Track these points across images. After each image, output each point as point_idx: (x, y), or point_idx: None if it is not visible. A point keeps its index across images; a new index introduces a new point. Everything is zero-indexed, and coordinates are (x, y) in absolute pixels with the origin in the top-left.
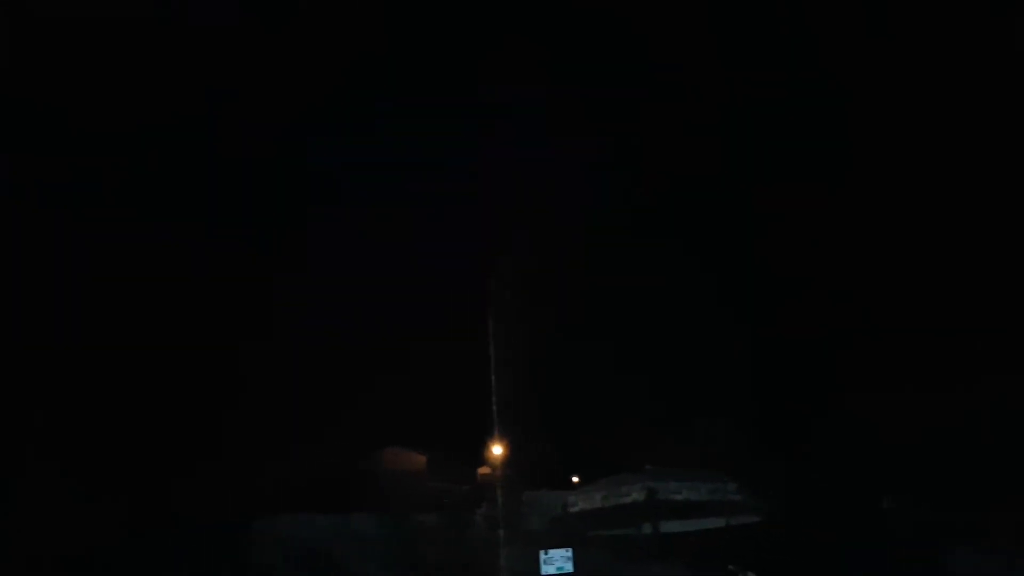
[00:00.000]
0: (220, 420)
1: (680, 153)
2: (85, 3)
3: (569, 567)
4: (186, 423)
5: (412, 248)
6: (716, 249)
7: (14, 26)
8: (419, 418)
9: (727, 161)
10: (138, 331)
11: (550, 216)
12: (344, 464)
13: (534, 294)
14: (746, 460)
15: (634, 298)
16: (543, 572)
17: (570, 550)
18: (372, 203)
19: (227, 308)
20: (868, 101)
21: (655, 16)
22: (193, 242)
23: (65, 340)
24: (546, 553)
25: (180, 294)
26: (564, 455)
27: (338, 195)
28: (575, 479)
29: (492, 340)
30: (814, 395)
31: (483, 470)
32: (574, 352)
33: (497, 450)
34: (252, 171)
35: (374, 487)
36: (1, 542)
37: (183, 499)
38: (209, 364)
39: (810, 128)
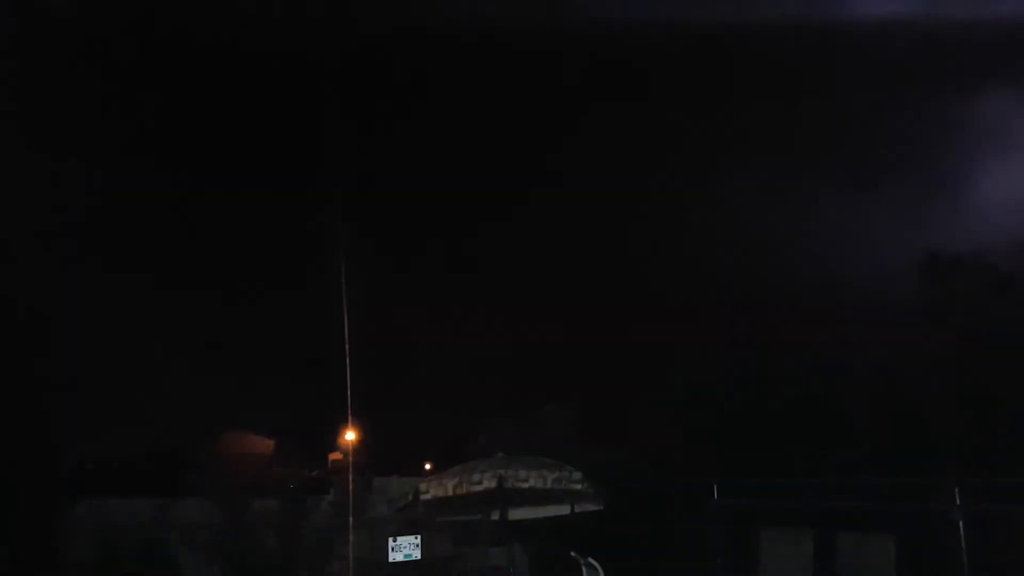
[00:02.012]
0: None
1: None
2: None
3: (417, 554)
4: None
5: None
6: None
7: None
8: (268, 402)
9: None
10: None
11: None
12: (174, 447)
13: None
14: (589, 449)
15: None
16: (391, 559)
17: (418, 536)
18: None
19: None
20: None
21: None
22: None
23: None
24: (394, 540)
25: None
26: (417, 442)
27: None
28: (428, 466)
29: (347, 330)
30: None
31: (334, 456)
32: (430, 343)
33: (349, 436)
34: None
35: (211, 472)
36: None
37: None
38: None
39: None
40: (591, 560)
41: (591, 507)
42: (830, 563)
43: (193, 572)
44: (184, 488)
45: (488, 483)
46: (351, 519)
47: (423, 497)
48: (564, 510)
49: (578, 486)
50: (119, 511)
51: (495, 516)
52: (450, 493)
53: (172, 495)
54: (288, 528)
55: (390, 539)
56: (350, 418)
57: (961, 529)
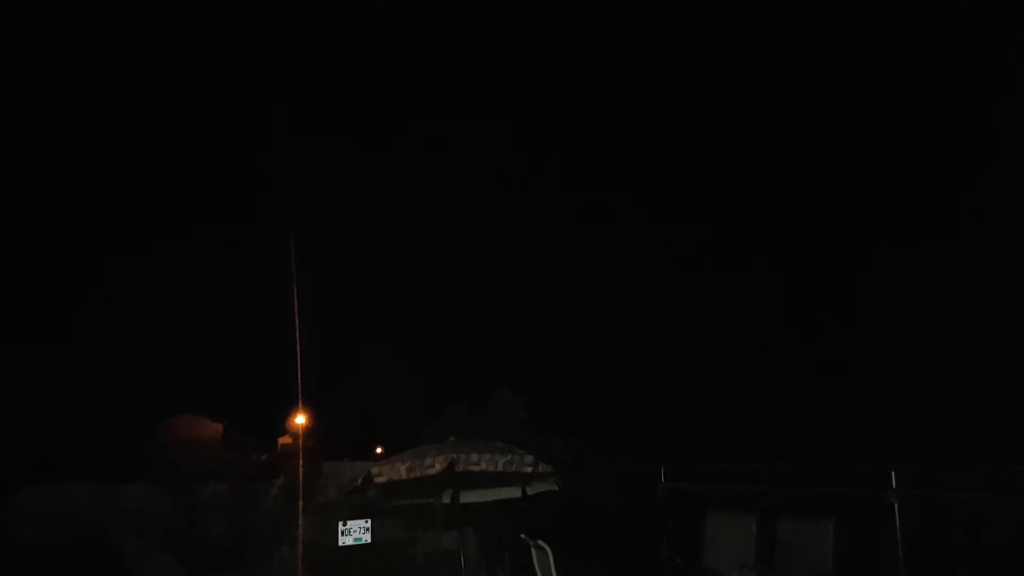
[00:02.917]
0: None
1: None
2: None
3: (367, 537)
4: None
5: None
6: None
7: None
8: (218, 384)
9: None
10: None
11: None
12: (118, 431)
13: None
14: (537, 432)
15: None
16: (340, 543)
17: (369, 521)
18: None
19: None
20: None
21: None
22: None
23: None
24: (344, 524)
25: None
26: (368, 426)
27: None
28: (379, 450)
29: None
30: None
31: (284, 439)
32: (379, 327)
33: (300, 419)
34: None
35: (156, 456)
36: None
37: None
38: None
39: None
40: (540, 542)
41: (541, 490)
42: (772, 546)
43: (140, 559)
44: (131, 473)
45: (440, 467)
46: (301, 503)
47: (376, 481)
48: (515, 493)
49: (528, 469)
50: (62, 497)
51: (447, 500)
52: (402, 477)
53: (118, 480)
54: (237, 513)
55: (340, 523)
56: (300, 402)
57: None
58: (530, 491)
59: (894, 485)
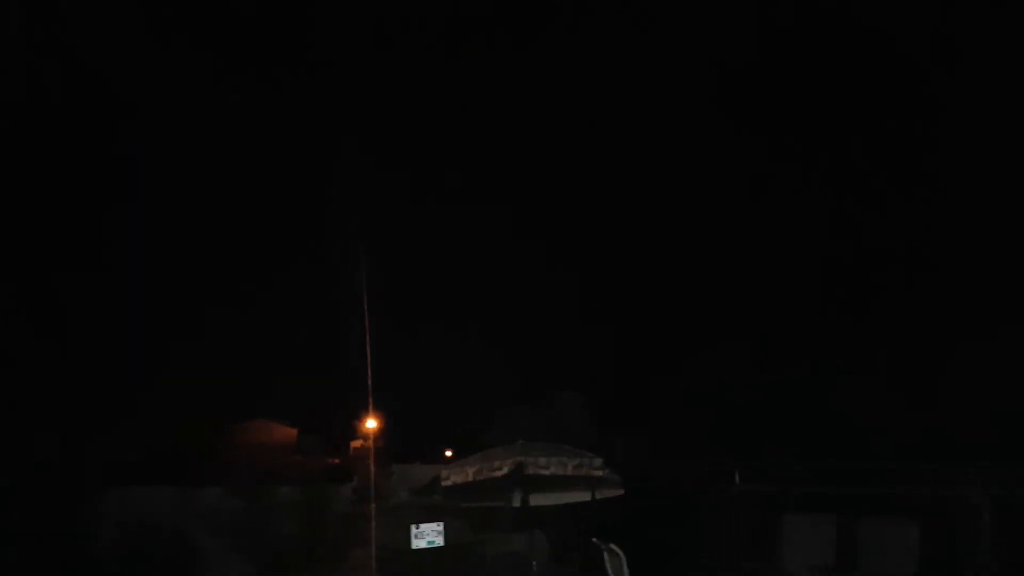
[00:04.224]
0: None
1: None
2: None
3: (440, 540)
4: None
5: None
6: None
7: None
8: (292, 391)
9: None
10: None
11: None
12: (194, 435)
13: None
14: (606, 435)
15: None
16: (413, 546)
17: (441, 524)
18: None
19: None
20: None
21: None
22: None
23: None
24: (417, 527)
25: None
26: (438, 429)
27: None
28: (448, 453)
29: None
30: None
31: (355, 443)
32: (445, 330)
33: (371, 423)
34: None
35: (233, 460)
36: None
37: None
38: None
39: None
40: (612, 546)
41: (611, 493)
42: (853, 547)
43: (216, 559)
44: (208, 477)
45: (508, 470)
46: (373, 505)
47: (444, 484)
48: (584, 496)
49: (598, 472)
50: (143, 500)
51: (515, 503)
52: (471, 479)
53: (196, 483)
54: (311, 515)
55: (412, 526)
56: (370, 407)
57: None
58: (599, 494)
59: (979, 484)
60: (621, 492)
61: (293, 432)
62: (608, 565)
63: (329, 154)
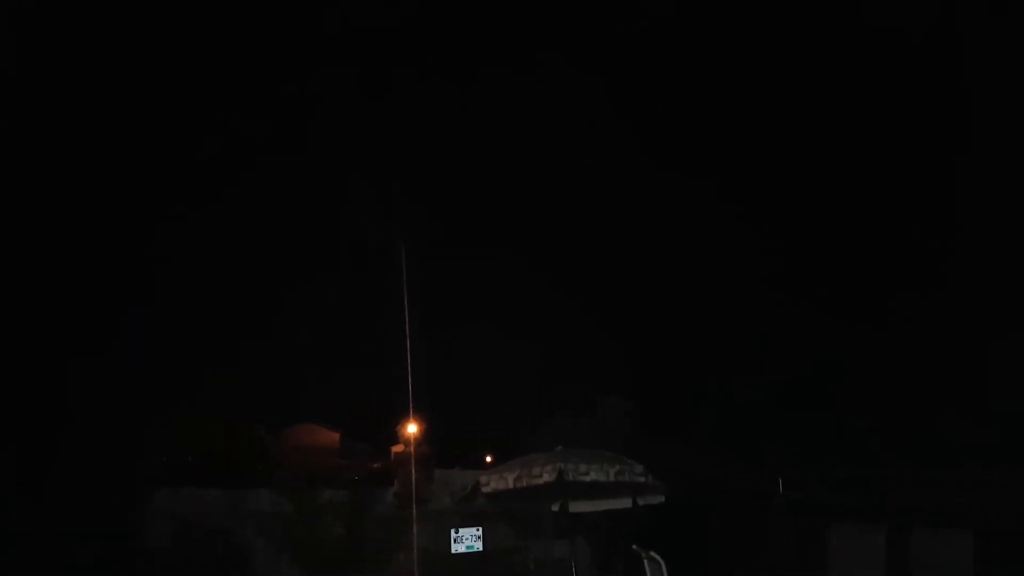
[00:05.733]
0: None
1: None
2: None
3: (479, 545)
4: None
5: None
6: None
7: None
8: (335, 395)
9: None
10: None
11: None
12: (240, 438)
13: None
14: (647, 442)
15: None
16: (453, 550)
17: (480, 529)
18: None
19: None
20: None
21: None
22: None
23: None
24: (456, 531)
25: None
26: (479, 435)
27: None
28: (489, 458)
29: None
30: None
31: (397, 448)
32: (490, 338)
33: (412, 428)
34: None
35: (278, 462)
36: None
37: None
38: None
39: None
40: (653, 554)
41: (652, 500)
42: (904, 558)
43: (263, 559)
44: (255, 479)
45: (548, 476)
46: (415, 510)
47: (484, 490)
48: (626, 503)
49: (639, 479)
50: (194, 500)
51: (556, 509)
52: (511, 486)
53: (244, 485)
54: (354, 518)
55: (452, 531)
56: (412, 412)
57: None
58: (641, 501)
59: None
60: (662, 499)
61: (336, 436)
62: (648, 572)
63: (371, 162)
